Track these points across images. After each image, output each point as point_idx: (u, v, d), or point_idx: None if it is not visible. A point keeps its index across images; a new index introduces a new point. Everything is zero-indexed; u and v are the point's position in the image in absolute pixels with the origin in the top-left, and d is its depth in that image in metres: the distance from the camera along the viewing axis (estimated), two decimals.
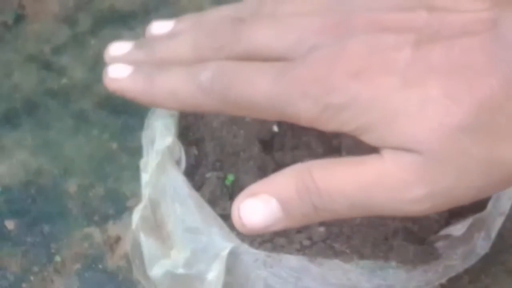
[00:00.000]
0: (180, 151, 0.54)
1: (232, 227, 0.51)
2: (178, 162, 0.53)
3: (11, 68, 0.73)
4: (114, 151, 0.67)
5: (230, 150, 0.55)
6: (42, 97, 0.71)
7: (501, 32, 0.35)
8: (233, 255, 0.49)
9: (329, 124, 0.38)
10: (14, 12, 0.76)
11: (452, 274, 0.51)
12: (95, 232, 0.63)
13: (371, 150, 0.54)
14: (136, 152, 0.60)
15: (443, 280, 0.51)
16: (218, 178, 0.53)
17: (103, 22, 0.76)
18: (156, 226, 0.51)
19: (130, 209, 0.62)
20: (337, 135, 0.58)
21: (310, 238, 0.51)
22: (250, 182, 0.53)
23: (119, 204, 0.64)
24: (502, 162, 0.35)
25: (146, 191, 0.52)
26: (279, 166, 0.55)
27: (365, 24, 0.37)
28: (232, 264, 0.49)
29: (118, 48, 0.46)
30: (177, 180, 0.51)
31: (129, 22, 0.76)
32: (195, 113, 0.58)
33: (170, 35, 0.45)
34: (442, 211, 0.53)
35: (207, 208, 0.50)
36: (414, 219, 0.52)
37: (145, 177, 0.53)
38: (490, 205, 0.52)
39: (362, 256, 0.49)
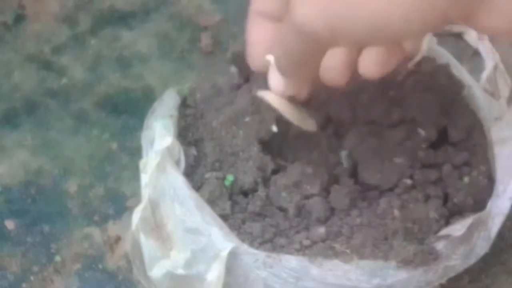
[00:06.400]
0: (179, 152, 0.53)
1: (232, 227, 0.51)
2: (177, 163, 0.53)
3: (11, 68, 0.73)
4: (114, 151, 0.67)
5: (230, 150, 0.55)
6: (42, 97, 0.71)
7: None
8: (233, 255, 0.49)
9: None
10: (14, 12, 0.76)
11: (452, 274, 0.51)
12: (95, 232, 0.62)
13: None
14: (136, 152, 0.60)
15: (443, 280, 0.51)
16: (217, 178, 0.53)
17: (103, 22, 0.75)
18: (156, 227, 0.51)
19: (130, 209, 0.62)
20: (336, 135, 0.58)
21: (310, 238, 0.51)
22: (250, 182, 0.54)
23: (119, 204, 0.64)
24: None
25: (145, 192, 0.52)
26: (278, 166, 0.55)
27: None
28: (232, 264, 0.49)
29: None
30: (177, 181, 0.51)
31: (129, 22, 0.75)
32: (194, 114, 0.58)
33: None
34: (442, 211, 0.53)
35: (207, 208, 0.50)
36: (414, 219, 0.52)
37: (144, 178, 0.53)
38: (490, 205, 0.52)
39: (362, 256, 0.49)
